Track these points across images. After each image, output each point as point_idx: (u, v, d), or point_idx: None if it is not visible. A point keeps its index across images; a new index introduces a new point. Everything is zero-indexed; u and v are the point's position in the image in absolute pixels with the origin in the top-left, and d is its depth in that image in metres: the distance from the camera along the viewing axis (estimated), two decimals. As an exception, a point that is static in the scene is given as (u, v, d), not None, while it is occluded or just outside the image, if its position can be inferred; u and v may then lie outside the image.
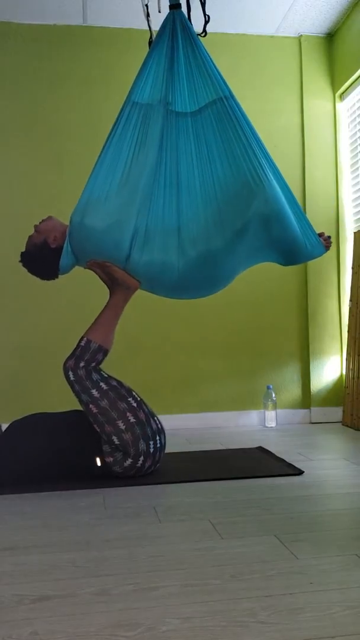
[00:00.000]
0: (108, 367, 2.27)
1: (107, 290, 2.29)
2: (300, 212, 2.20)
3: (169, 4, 2.21)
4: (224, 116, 2.12)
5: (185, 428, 3.33)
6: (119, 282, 2.22)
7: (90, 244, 2.15)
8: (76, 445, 2.16)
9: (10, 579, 1.33)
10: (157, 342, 3.42)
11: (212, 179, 2.12)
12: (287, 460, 2.43)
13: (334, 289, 3.56)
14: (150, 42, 2.31)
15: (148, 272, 2.16)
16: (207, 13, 2.30)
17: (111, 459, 2.12)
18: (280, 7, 3.36)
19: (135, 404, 2.15)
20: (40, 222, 2.26)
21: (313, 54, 3.64)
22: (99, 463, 2.13)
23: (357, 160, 3.47)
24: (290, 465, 2.32)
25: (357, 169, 3.47)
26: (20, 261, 2.28)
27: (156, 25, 2.29)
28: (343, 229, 3.58)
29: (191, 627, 1.09)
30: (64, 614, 1.16)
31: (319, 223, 3.50)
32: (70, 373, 2.14)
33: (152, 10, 2.37)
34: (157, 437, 2.17)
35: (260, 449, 2.68)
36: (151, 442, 2.13)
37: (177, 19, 2.19)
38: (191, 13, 2.28)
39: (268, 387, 3.41)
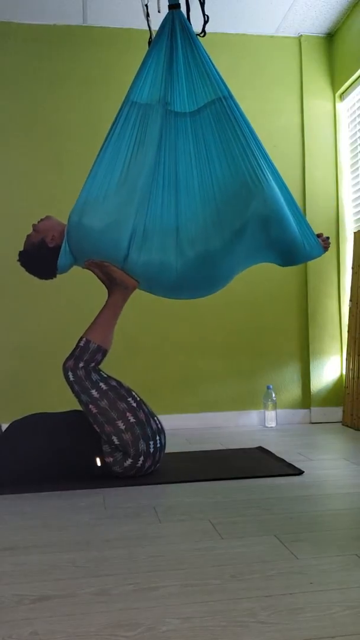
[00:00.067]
0: (108, 367, 2.27)
1: (107, 290, 2.29)
2: (299, 213, 2.20)
3: (168, 4, 2.21)
4: (223, 116, 2.12)
5: (185, 428, 3.33)
6: (117, 282, 2.22)
7: (88, 244, 2.15)
8: (76, 445, 2.16)
9: (10, 579, 1.33)
10: (157, 342, 3.42)
11: (210, 179, 2.12)
12: (287, 460, 2.43)
13: (334, 289, 3.56)
14: (150, 42, 2.31)
15: (146, 272, 2.16)
16: (206, 13, 2.30)
17: (111, 459, 2.12)
18: (280, 7, 3.36)
19: (135, 404, 2.15)
20: (38, 222, 2.26)
21: (313, 54, 3.64)
22: (99, 463, 2.13)
23: (357, 160, 3.47)
24: (290, 465, 2.32)
25: (357, 169, 3.48)
26: (19, 260, 2.28)
27: (156, 25, 2.28)
28: (343, 229, 3.58)
29: (191, 627, 1.09)
30: (64, 614, 1.16)
31: (319, 223, 3.51)
32: (70, 373, 2.14)
33: (152, 10, 2.37)
34: (157, 437, 2.17)
35: (260, 449, 2.68)
36: (151, 442, 2.13)
37: (176, 19, 2.19)
38: (190, 13, 2.28)
39: (268, 387, 3.41)
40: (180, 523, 1.69)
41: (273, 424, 3.39)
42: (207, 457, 2.56)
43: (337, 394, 3.53)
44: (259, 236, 2.12)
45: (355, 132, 3.48)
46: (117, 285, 2.23)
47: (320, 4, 3.34)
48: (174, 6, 2.21)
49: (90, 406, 2.12)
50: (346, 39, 3.47)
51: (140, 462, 2.13)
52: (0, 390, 3.25)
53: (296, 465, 2.32)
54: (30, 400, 3.17)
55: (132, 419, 2.11)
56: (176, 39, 2.17)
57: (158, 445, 2.17)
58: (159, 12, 2.30)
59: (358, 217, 3.48)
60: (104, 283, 2.28)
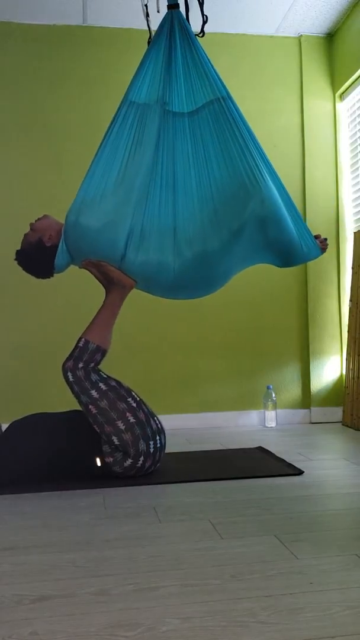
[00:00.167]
0: (107, 367, 2.27)
1: (104, 290, 2.29)
2: (297, 214, 2.20)
3: (167, 4, 2.21)
4: (221, 117, 2.12)
5: (185, 428, 3.33)
6: (114, 282, 2.21)
7: (85, 243, 2.15)
8: (76, 446, 2.16)
9: (10, 579, 1.33)
10: (157, 342, 3.42)
11: (208, 180, 2.12)
12: (287, 460, 2.43)
13: (334, 289, 3.56)
14: (149, 42, 2.31)
15: (144, 272, 2.16)
16: (206, 13, 2.30)
17: (111, 459, 2.12)
18: (280, 7, 3.36)
19: (134, 404, 2.15)
20: (35, 221, 2.26)
21: (313, 54, 3.64)
22: (99, 463, 2.13)
23: (357, 160, 3.47)
24: (290, 465, 2.32)
25: (357, 169, 3.47)
26: (16, 259, 2.28)
27: (156, 26, 2.28)
28: (343, 229, 3.58)
29: (191, 627, 1.09)
30: (64, 614, 1.16)
31: (319, 223, 3.51)
32: (69, 374, 2.14)
33: (152, 10, 2.37)
34: (157, 437, 2.17)
35: (260, 449, 2.68)
36: (151, 442, 2.13)
37: (175, 19, 2.19)
38: (190, 13, 2.28)
39: (268, 387, 3.41)
40: (180, 523, 1.69)
41: (273, 424, 3.39)
42: (207, 457, 2.56)
43: (337, 394, 3.53)
44: (256, 237, 2.12)
45: (355, 132, 3.48)
46: (114, 285, 2.23)
47: (320, 4, 3.34)
48: (172, 6, 2.21)
49: (90, 406, 2.12)
50: (346, 39, 3.47)
51: (140, 462, 2.13)
52: (0, 390, 3.25)
53: (296, 465, 2.32)
54: (30, 400, 3.17)
55: (132, 419, 2.11)
56: (175, 39, 2.18)
57: (158, 445, 2.17)
58: (158, 12, 2.30)
59: (358, 217, 3.48)
60: (101, 283, 2.28)
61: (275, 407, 3.41)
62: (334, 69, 3.63)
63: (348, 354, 3.37)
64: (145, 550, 1.48)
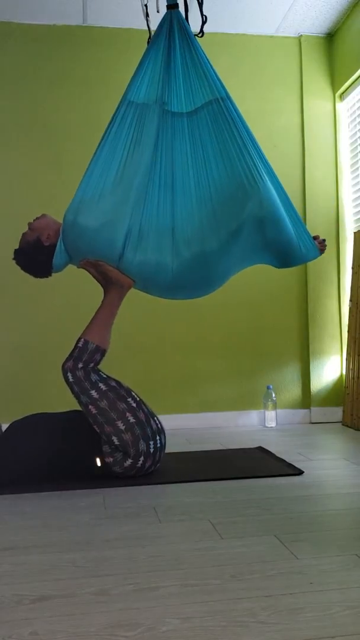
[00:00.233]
0: (108, 367, 2.27)
1: (103, 290, 2.29)
2: (296, 215, 2.20)
3: (166, 3, 2.21)
4: (220, 117, 2.12)
5: (185, 428, 3.33)
6: (112, 281, 2.21)
7: (83, 243, 2.15)
8: (76, 446, 2.16)
9: (10, 579, 1.33)
10: (157, 342, 3.42)
11: (207, 180, 2.12)
12: (287, 460, 2.43)
13: (334, 289, 3.56)
14: (149, 43, 2.31)
15: (142, 272, 2.16)
16: (206, 13, 2.30)
17: (111, 459, 2.12)
18: (280, 7, 3.36)
19: (134, 404, 2.15)
20: (34, 220, 2.27)
21: (313, 54, 3.64)
22: (99, 463, 2.13)
23: (357, 160, 3.47)
24: (290, 465, 2.32)
25: (357, 169, 3.47)
26: (14, 258, 2.28)
27: (155, 26, 2.28)
28: (343, 229, 3.58)
29: (191, 627, 1.09)
30: (64, 614, 1.16)
31: (319, 223, 3.51)
32: (69, 374, 2.14)
33: (151, 10, 2.37)
34: (157, 437, 2.17)
35: (260, 449, 2.68)
36: (151, 442, 2.13)
37: (174, 19, 2.19)
38: (189, 14, 2.28)
39: (268, 387, 3.41)
40: (180, 523, 1.69)
41: (273, 424, 3.39)
42: (207, 457, 2.56)
43: (337, 394, 3.53)
44: (254, 237, 2.12)
45: (355, 132, 3.48)
46: (112, 285, 2.23)
47: (320, 4, 3.34)
48: (172, 6, 2.21)
49: (90, 407, 2.12)
50: (346, 39, 3.47)
51: (140, 462, 2.13)
52: (0, 390, 3.25)
53: (296, 465, 2.32)
54: (30, 400, 3.17)
55: (132, 419, 2.11)
56: (174, 39, 2.18)
57: (158, 445, 2.17)
58: (157, 12, 2.30)
59: (358, 217, 3.48)
60: (99, 282, 2.28)
61: (275, 407, 3.41)
62: (334, 69, 3.63)
63: (348, 354, 3.37)
64: (145, 550, 1.48)
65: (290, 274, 3.49)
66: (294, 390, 3.54)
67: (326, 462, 2.41)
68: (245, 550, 1.46)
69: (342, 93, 3.58)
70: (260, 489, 2.02)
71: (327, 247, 2.39)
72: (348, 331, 3.38)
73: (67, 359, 2.16)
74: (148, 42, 2.31)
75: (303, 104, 3.61)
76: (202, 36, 2.28)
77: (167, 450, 2.37)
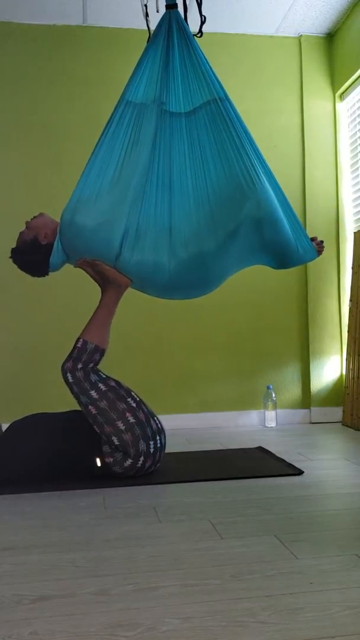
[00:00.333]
0: (107, 367, 2.27)
1: (100, 290, 2.29)
2: (293, 216, 2.20)
3: (165, 3, 2.21)
4: (218, 117, 2.12)
5: (185, 428, 3.33)
6: (110, 281, 2.21)
7: (81, 242, 2.15)
8: (76, 446, 2.16)
9: (10, 579, 1.33)
10: (157, 342, 3.42)
11: (204, 181, 2.12)
12: (287, 460, 2.43)
13: (334, 289, 3.56)
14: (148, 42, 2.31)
15: (139, 271, 2.16)
16: (206, 13, 2.30)
17: (111, 460, 2.12)
18: (280, 7, 3.36)
19: (134, 404, 2.15)
20: (31, 219, 2.27)
21: (313, 54, 3.64)
22: (99, 463, 2.13)
23: (357, 160, 3.47)
24: (290, 465, 2.32)
25: (357, 169, 3.47)
26: (11, 257, 2.28)
27: (155, 26, 2.28)
28: (343, 229, 3.58)
29: (191, 627, 1.09)
30: (64, 614, 1.16)
31: (319, 223, 3.51)
32: (69, 375, 2.14)
33: (151, 10, 2.37)
34: (157, 437, 2.17)
35: (260, 449, 2.68)
36: (151, 442, 2.13)
37: (173, 19, 2.19)
38: (188, 14, 2.28)
39: (268, 387, 3.41)
40: (180, 523, 1.69)
41: (273, 424, 3.39)
42: (207, 457, 2.56)
43: (337, 394, 3.53)
44: (252, 238, 2.12)
45: (355, 132, 3.48)
46: (110, 284, 2.23)
47: (320, 4, 3.34)
48: (171, 6, 2.21)
49: (90, 407, 2.11)
50: (346, 39, 3.47)
51: (140, 462, 2.12)
52: (0, 391, 3.25)
53: (296, 465, 2.32)
54: (30, 401, 3.17)
55: (131, 419, 2.11)
56: (173, 38, 2.18)
57: (158, 445, 2.17)
58: (157, 12, 2.30)
59: (358, 217, 3.48)
60: (97, 282, 2.27)
61: (275, 407, 3.40)
62: (334, 69, 3.63)
63: (348, 354, 3.37)
64: (145, 550, 1.48)
65: (290, 274, 3.49)
66: (294, 390, 3.54)
67: (326, 462, 2.41)
68: (245, 550, 1.46)
69: (342, 93, 3.58)
70: (260, 489, 2.02)
71: (327, 247, 2.39)
72: (348, 331, 3.38)
73: (67, 360, 2.16)
74: (148, 42, 2.31)
75: (303, 104, 3.61)
76: (200, 36, 2.28)
77: (167, 450, 2.37)
